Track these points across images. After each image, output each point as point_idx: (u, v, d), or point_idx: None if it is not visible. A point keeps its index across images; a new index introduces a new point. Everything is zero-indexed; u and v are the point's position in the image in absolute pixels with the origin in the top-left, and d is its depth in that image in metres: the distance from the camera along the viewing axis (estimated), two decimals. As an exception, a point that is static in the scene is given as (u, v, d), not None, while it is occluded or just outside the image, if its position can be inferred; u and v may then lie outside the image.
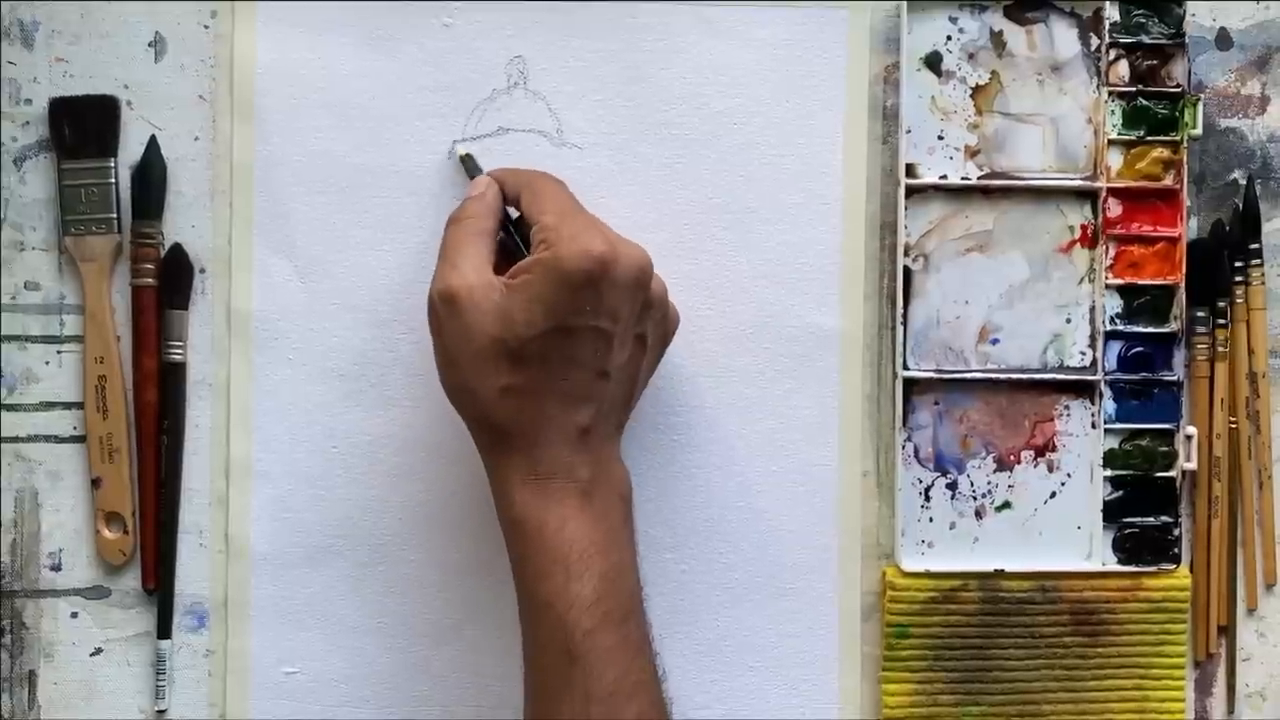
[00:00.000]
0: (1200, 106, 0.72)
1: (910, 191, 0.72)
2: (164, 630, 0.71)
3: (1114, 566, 0.73)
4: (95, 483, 0.71)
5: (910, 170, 0.72)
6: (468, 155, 0.70)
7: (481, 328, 0.62)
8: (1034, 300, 0.73)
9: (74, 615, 0.71)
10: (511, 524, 0.63)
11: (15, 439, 0.71)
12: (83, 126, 0.71)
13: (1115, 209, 0.73)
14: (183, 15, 0.71)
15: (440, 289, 0.63)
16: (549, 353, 0.62)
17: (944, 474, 0.73)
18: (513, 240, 0.67)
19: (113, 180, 0.71)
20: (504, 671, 0.72)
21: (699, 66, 0.72)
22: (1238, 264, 0.73)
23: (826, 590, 0.73)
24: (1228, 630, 0.74)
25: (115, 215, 0.71)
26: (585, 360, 0.63)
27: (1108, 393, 0.73)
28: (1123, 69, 0.73)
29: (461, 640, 0.72)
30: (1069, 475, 0.73)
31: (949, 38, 0.72)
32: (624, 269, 0.62)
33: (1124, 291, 0.73)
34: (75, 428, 0.71)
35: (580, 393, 0.63)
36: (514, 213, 0.67)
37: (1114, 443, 0.73)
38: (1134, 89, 0.72)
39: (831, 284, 0.73)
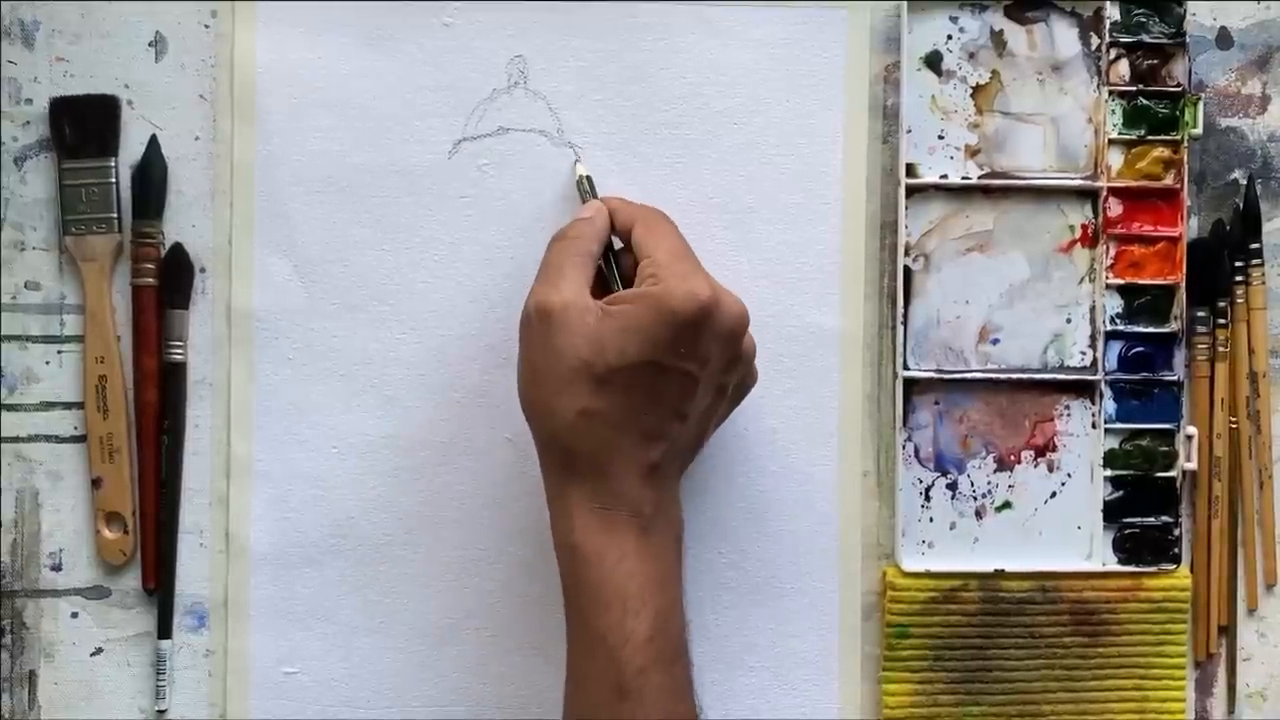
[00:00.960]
0: (1201, 106, 0.72)
1: (910, 191, 0.72)
2: (164, 630, 0.71)
3: (1114, 566, 0.73)
4: (95, 483, 0.71)
5: (910, 170, 0.72)
6: (588, 177, 0.70)
7: (572, 348, 0.61)
8: (1034, 300, 0.73)
9: (74, 615, 0.71)
10: (570, 550, 0.63)
11: (15, 439, 0.71)
12: (83, 126, 0.71)
13: (1116, 208, 0.73)
14: (183, 15, 0.71)
15: (537, 303, 0.62)
16: (634, 386, 0.61)
17: (944, 474, 0.73)
18: (609, 270, 0.66)
19: (113, 180, 0.71)
20: (504, 671, 0.72)
21: (699, 66, 0.72)
22: (1238, 264, 0.73)
23: (826, 590, 0.73)
24: (1228, 630, 0.74)
25: (116, 215, 0.71)
26: (667, 400, 0.63)
27: (1108, 393, 0.73)
28: (1123, 68, 0.73)
29: (461, 640, 0.72)
30: (1069, 475, 0.73)
31: (949, 37, 0.72)
32: (724, 319, 0.62)
33: (1124, 291, 0.73)
34: (75, 428, 0.71)
35: (656, 430, 0.63)
36: (616, 243, 0.67)
37: (1114, 443, 0.73)
38: (1134, 88, 0.72)
39: (831, 284, 0.73)
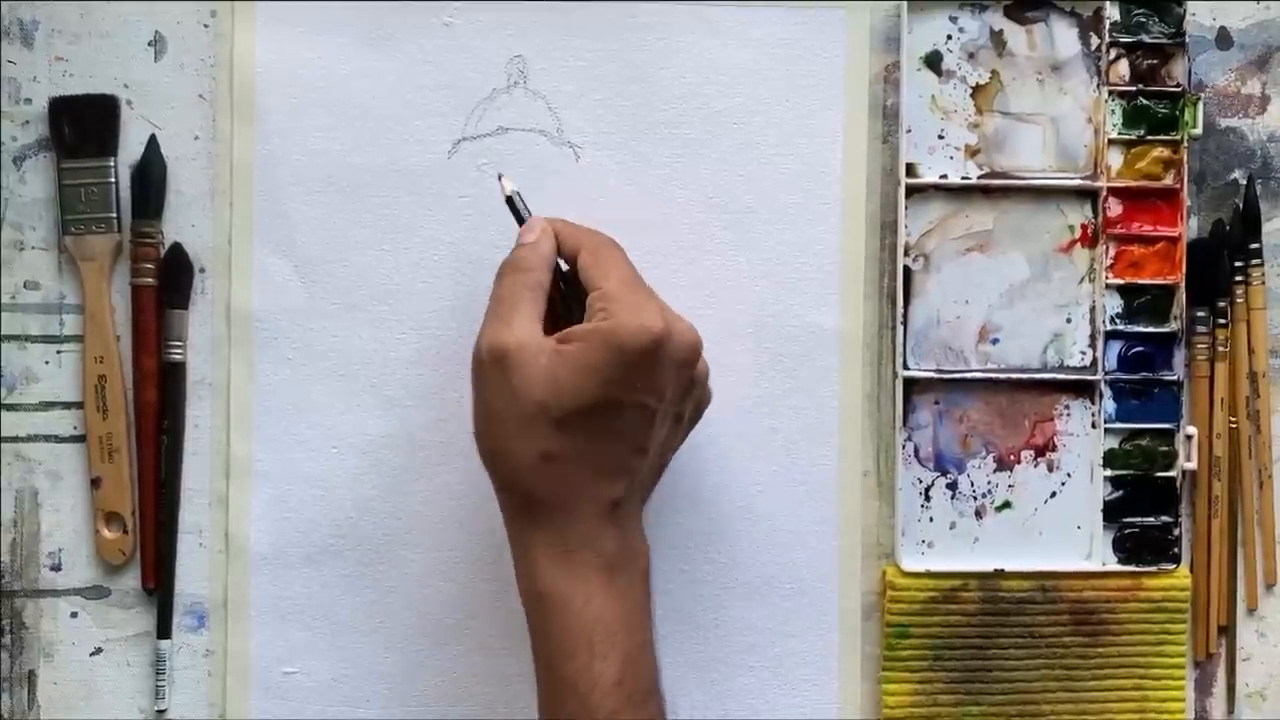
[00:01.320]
0: (1200, 106, 0.72)
1: (910, 191, 0.72)
2: (164, 630, 0.71)
3: (1114, 566, 0.73)
4: (95, 483, 0.71)
5: (910, 170, 0.72)
6: (517, 194, 0.67)
7: (527, 390, 0.60)
8: (1034, 300, 0.73)
9: (74, 615, 0.71)
10: (535, 597, 0.62)
11: (15, 439, 0.71)
12: (82, 126, 0.71)
13: (1115, 208, 0.73)
14: (182, 14, 0.71)
15: (490, 344, 0.61)
16: (592, 424, 0.61)
17: (944, 474, 0.73)
18: (568, 292, 0.65)
19: (113, 180, 0.71)
20: (504, 672, 0.72)
21: (699, 66, 0.72)
22: (1238, 263, 0.73)
23: (826, 590, 0.73)
24: (1228, 630, 0.74)
25: (115, 215, 0.71)
26: (627, 435, 0.62)
27: (1108, 392, 0.73)
28: (1123, 68, 0.73)
29: (461, 640, 0.72)
30: (1069, 475, 0.73)
31: (949, 37, 0.72)
32: (676, 348, 0.61)
33: (1124, 291, 0.73)
34: (75, 427, 0.71)
35: (617, 467, 0.62)
36: (564, 264, 0.66)
37: (1114, 442, 0.73)
38: (1134, 88, 0.72)
39: (831, 284, 0.72)
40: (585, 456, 0.61)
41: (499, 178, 0.68)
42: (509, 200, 0.67)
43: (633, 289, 0.63)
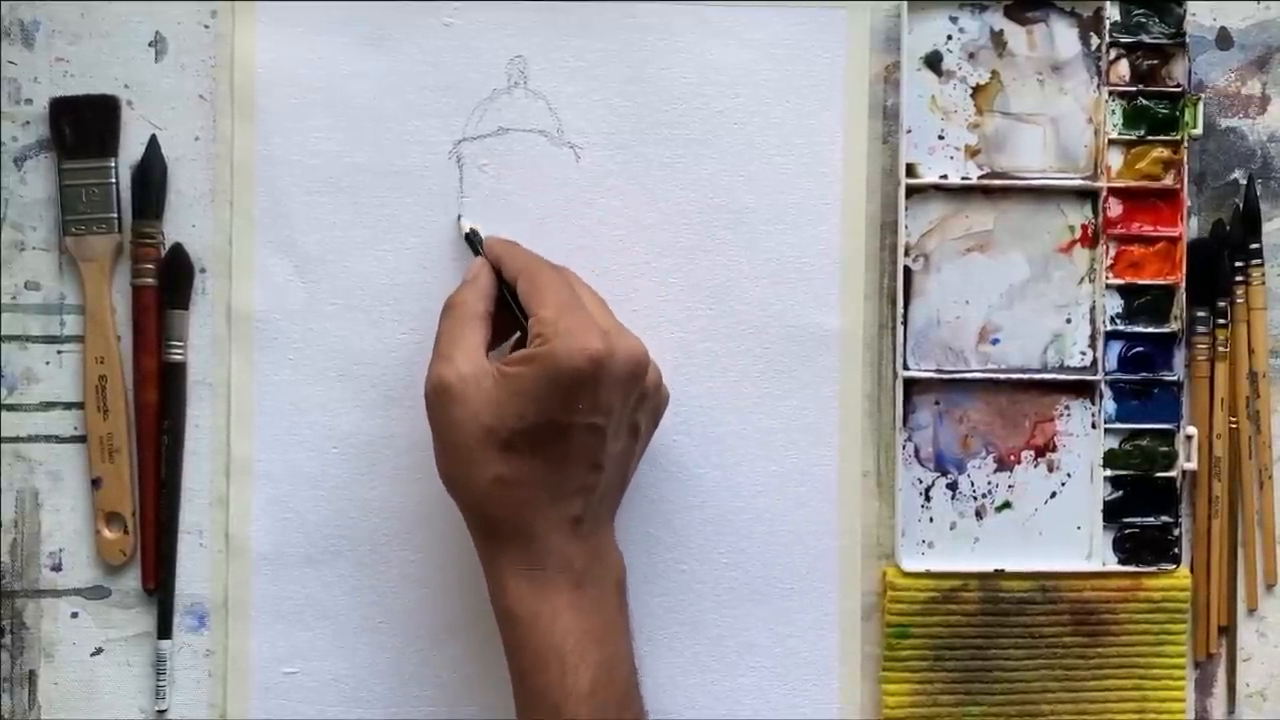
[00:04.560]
0: (1200, 106, 0.72)
1: (910, 191, 0.72)
2: (164, 630, 0.71)
3: (1114, 566, 0.73)
4: (95, 483, 0.71)
5: (910, 170, 0.72)
6: (474, 231, 0.70)
7: (474, 416, 0.62)
8: (1034, 300, 0.73)
9: (74, 615, 0.71)
10: (505, 615, 0.63)
11: (15, 439, 0.71)
12: (83, 126, 0.71)
13: (1115, 209, 0.73)
14: (183, 15, 0.71)
15: (434, 381, 0.63)
16: (540, 446, 0.62)
17: (944, 474, 0.73)
18: (514, 311, 0.66)
19: (113, 180, 0.71)
20: (504, 672, 0.71)
21: (699, 66, 0.72)
22: (1238, 264, 0.73)
23: (826, 590, 0.73)
24: (1228, 630, 0.74)
25: (116, 215, 0.71)
26: (578, 455, 0.63)
27: (1108, 393, 0.73)
28: (1123, 68, 0.73)
29: (461, 640, 0.72)
30: (1069, 475, 0.73)
31: (949, 37, 0.72)
32: (619, 366, 0.62)
33: (1124, 291, 0.73)
34: (75, 428, 0.71)
35: (573, 485, 0.63)
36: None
37: (1114, 443, 0.73)
38: (1134, 88, 0.72)
39: (831, 284, 0.73)
40: (538, 477, 0.62)
41: (458, 218, 0.71)
42: (467, 237, 0.70)
43: (569, 311, 0.63)
